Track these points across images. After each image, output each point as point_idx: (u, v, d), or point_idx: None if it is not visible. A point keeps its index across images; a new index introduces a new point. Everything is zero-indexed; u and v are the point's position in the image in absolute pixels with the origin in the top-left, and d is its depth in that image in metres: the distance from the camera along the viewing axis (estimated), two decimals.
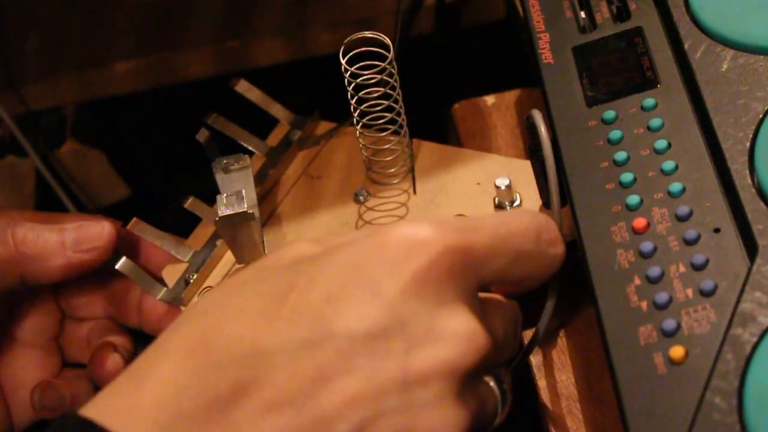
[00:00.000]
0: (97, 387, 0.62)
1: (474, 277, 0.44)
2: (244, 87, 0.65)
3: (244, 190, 0.56)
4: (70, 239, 0.58)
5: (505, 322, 0.47)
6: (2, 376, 0.62)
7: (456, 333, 0.42)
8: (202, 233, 0.62)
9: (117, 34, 0.78)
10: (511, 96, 0.69)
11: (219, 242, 0.61)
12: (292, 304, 0.41)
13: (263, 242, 0.59)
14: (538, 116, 0.52)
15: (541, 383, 0.54)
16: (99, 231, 0.58)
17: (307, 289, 0.41)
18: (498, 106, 0.69)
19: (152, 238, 0.59)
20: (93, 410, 0.40)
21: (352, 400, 0.40)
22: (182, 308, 0.59)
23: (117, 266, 0.58)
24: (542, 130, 0.52)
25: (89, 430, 0.39)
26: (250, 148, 0.64)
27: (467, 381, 0.42)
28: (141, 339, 0.63)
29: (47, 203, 0.82)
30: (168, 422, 0.39)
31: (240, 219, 0.55)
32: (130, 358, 0.62)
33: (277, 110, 0.66)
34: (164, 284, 0.60)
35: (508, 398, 0.46)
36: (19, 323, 0.62)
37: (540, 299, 0.50)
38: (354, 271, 0.42)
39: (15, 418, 0.62)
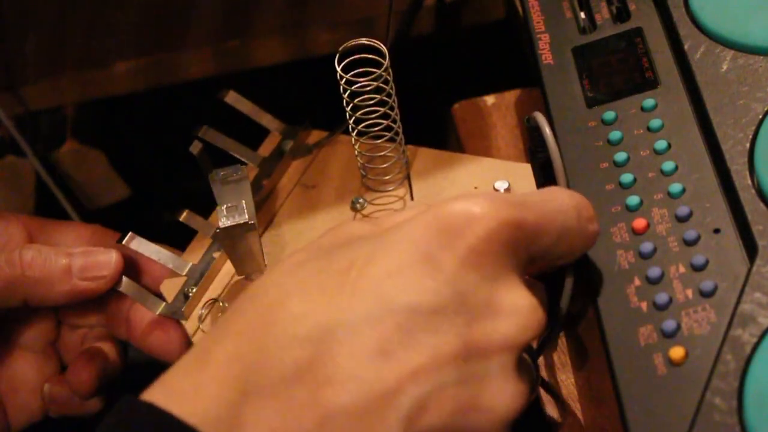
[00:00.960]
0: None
1: (525, 253, 0.44)
2: (233, 98, 0.65)
3: (244, 201, 0.56)
4: (77, 265, 0.58)
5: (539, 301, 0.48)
6: (0, 379, 0.62)
7: (517, 307, 0.42)
8: (198, 246, 0.62)
9: (117, 34, 0.78)
10: (511, 96, 0.69)
11: (216, 254, 0.60)
12: (352, 280, 0.41)
13: (263, 253, 0.59)
14: (541, 118, 0.52)
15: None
16: (107, 259, 0.58)
17: (366, 266, 0.42)
18: (498, 106, 0.69)
19: (148, 253, 0.59)
20: (157, 392, 0.41)
21: (414, 374, 0.40)
22: (182, 322, 0.59)
23: (119, 288, 0.58)
24: (547, 131, 0.52)
25: (149, 413, 0.40)
26: (242, 159, 0.64)
27: (522, 356, 0.43)
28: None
29: (47, 203, 0.82)
30: (232, 400, 0.40)
31: (241, 230, 0.55)
32: (114, 369, 0.62)
33: (267, 120, 0.66)
34: (164, 299, 0.60)
35: (539, 375, 0.46)
36: (16, 328, 0.62)
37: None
38: (412, 246, 0.42)
39: (12, 421, 0.62)
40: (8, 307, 0.58)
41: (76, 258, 0.58)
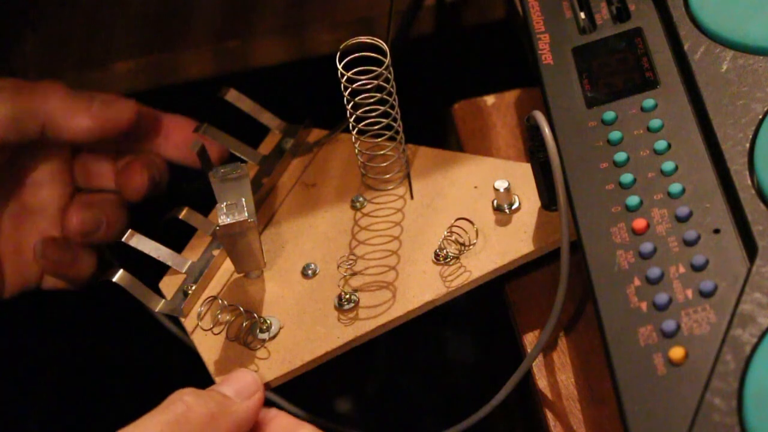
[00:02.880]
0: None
1: None
2: (233, 96, 0.65)
3: (243, 199, 0.56)
4: (97, 101, 0.61)
5: None
6: (2, 239, 0.63)
7: None
8: (198, 243, 0.62)
9: (117, 34, 0.78)
10: (511, 96, 0.69)
11: (216, 252, 0.60)
12: None
13: (262, 251, 0.59)
14: (540, 118, 0.52)
15: (542, 383, 0.55)
16: (125, 103, 0.63)
17: None
18: (498, 106, 0.69)
19: (148, 250, 0.59)
20: None
21: None
22: (182, 319, 0.59)
23: (114, 279, 0.57)
24: (546, 131, 0.52)
25: None
26: (242, 157, 0.64)
27: None
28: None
29: None
30: None
31: (241, 228, 0.55)
32: (162, 181, 0.66)
33: (267, 119, 0.66)
34: (162, 296, 0.60)
35: None
36: (31, 190, 0.63)
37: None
38: None
39: (7, 283, 0.63)
40: (27, 136, 0.60)
41: (97, 96, 0.62)
